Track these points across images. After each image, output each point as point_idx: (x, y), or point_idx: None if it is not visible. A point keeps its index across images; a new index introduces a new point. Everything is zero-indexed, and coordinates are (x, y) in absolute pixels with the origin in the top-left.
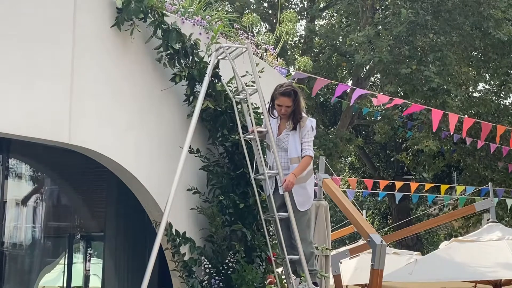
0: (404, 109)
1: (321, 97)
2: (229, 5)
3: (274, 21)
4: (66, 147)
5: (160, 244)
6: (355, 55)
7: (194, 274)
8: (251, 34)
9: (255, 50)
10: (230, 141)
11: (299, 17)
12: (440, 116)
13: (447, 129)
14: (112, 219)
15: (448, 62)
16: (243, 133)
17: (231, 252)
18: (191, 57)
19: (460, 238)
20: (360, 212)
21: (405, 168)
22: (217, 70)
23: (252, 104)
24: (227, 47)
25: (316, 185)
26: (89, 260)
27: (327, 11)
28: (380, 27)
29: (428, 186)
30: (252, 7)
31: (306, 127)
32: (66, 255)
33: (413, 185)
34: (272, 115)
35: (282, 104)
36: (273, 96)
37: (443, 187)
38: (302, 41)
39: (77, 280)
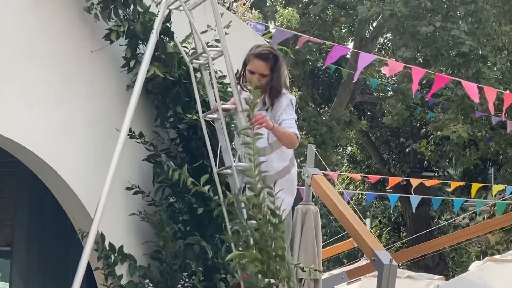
0: (424, 81)
1: (311, 64)
2: None
3: None
4: None
5: (89, 263)
6: (358, 7)
7: None
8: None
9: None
10: (186, 122)
11: None
12: (476, 90)
13: (483, 109)
14: (22, 229)
15: (485, 18)
16: (203, 112)
17: (186, 274)
18: (132, 7)
19: (497, 257)
20: (362, 221)
21: (425, 162)
22: (168, 24)
23: (216, 72)
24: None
25: (301, 183)
26: None
27: None
28: None
29: (455, 185)
30: None
31: (281, 104)
32: None
33: (434, 182)
34: (244, 87)
35: (255, 71)
36: (246, 59)
37: (475, 187)
38: None
39: None
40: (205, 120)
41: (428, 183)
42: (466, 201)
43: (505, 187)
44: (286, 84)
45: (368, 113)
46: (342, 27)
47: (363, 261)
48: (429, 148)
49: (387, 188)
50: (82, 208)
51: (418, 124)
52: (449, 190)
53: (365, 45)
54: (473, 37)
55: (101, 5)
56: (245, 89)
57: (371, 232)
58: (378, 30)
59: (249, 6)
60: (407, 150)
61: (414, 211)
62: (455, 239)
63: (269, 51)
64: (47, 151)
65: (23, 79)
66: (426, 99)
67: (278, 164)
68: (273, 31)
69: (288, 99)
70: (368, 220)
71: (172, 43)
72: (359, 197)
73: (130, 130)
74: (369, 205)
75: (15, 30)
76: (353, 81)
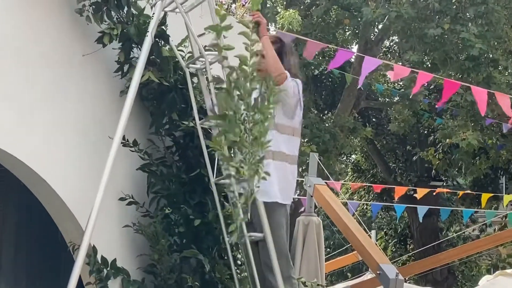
0: (432, 86)
1: (314, 69)
2: None
3: None
4: None
5: (80, 277)
6: (363, 8)
7: None
8: None
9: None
10: (182, 130)
11: None
12: (485, 97)
13: (494, 115)
14: (9, 242)
15: (495, 20)
16: (200, 119)
17: None
18: (126, 8)
19: (508, 271)
20: (367, 232)
21: (433, 170)
22: (163, 27)
23: (214, 77)
24: None
25: (303, 193)
26: None
27: None
28: None
29: (464, 194)
30: None
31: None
32: None
33: (442, 191)
34: None
35: None
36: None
37: (485, 197)
38: None
39: None
40: (202, 128)
41: (436, 191)
42: (476, 212)
43: None
44: (293, 71)
45: (373, 119)
46: (346, 30)
47: (368, 275)
48: (437, 157)
49: (393, 198)
50: (73, 219)
51: (425, 131)
52: (458, 198)
53: (370, 48)
54: (483, 40)
55: (93, 7)
56: None
57: (376, 244)
58: (384, 33)
59: (249, 8)
60: (414, 158)
61: (421, 220)
62: (465, 252)
63: (276, 37)
64: (36, 160)
65: (10, 83)
66: (436, 106)
67: (285, 147)
68: (273, 33)
69: (294, 81)
70: (373, 232)
71: (167, 46)
72: (364, 207)
73: (123, 137)
74: (375, 217)
75: (3, 31)
76: (358, 87)
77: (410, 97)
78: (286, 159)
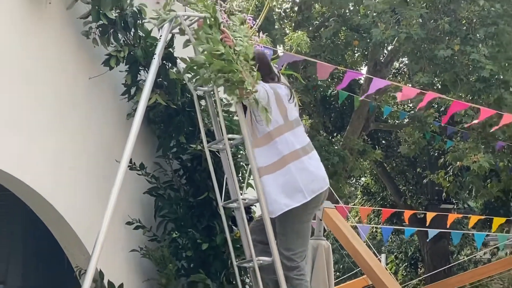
0: (443, 108)
1: (323, 91)
2: None
3: None
4: None
5: None
6: (373, 29)
7: None
8: None
9: (228, 21)
10: (189, 153)
11: None
12: (489, 115)
13: (506, 137)
14: (17, 265)
15: (506, 41)
16: (208, 142)
17: None
18: (133, 31)
19: None
20: (377, 256)
21: (443, 193)
22: (171, 49)
23: (221, 100)
24: (185, 17)
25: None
26: None
27: None
28: None
29: (475, 219)
30: None
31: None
32: None
33: (454, 217)
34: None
35: None
36: None
37: (497, 221)
38: (296, 9)
39: None
40: (210, 151)
41: (448, 219)
42: (487, 235)
43: None
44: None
45: (383, 142)
46: (355, 51)
47: None
48: (447, 179)
49: (403, 221)
50: (79, 244)
51: (436, 154)
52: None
53: (379, 70)
54: (494, 61)
55: (100, 29)
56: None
57: (386, 268)
58: (394, 54)
59: (257, 29)
60: (425, 181)
61: (429, 241)
62: (476, 276)
63: None
64: (42, 184)
65: (16, 106)
66: (443, 124)
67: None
68: (281, 54)
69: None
70: (383, 256)
71: (175, 69)
72: (374, 230)
73: (130, 161)
74: (386, 240)
75: (9, 54)
76: (365, 105)
77: (416, 109)
78: (279, 166)
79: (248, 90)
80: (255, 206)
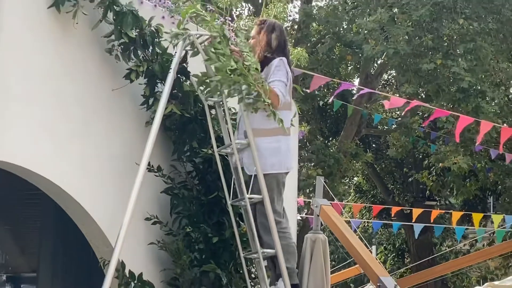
0: (426, 115)
1: (319, 100)
2: None
3: (260, 1)
4: None
5: None
6: (364, 45)
7: None
8: (229, 18)
9: (235, 39)
10: (201, 157)
11: None
12: (467, 123)
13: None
14: (47, 257)
15: (483, 56)
16: (218, 146)
17: None
18: (151, 48)
19: (496, 282)
20: (368, 248)
21: (427, 191)
22: (184, 64)
23: (229, 109)
24: (198, 35)
25: (311, 212)
26: None
27: None
28: (396, 10)
29: (456, 215)
30: None
31: (271, 65)
32: None
33: (437, 213)
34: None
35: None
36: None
37: (476, 217)
38: (296, 27)
39: None
40: (219, 154)
41: (431, 215)
42: (467, 229)
43: (504, 216)
44: (276, 47)
45: (373, 145)
46: (349, 65)
47: (369, 287)
48: (431, 179)
49: (391, 216)
50: (103, 237)
51: (420, 156)
52: (451, 220)
53: (370, 81)
54: (472, 73)
55: (122, 46)
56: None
57: (376, 259)
58: (383, 67)
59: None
60: (410, 180)
61: (416, 237)
62: (458, 265)
63: (261, 20)
64: (71, 184)
65: (48, 116)
66: (423, 128)
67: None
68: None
69: (278, 60)
70: (373, 247)
71: (188, 82)
72: (365, 224)
73: (149, 164)
74: (375, 233)
75: (41, 71)
76: (357, 113)
77: (403, 114)
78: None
79: (266, 103)
80: None
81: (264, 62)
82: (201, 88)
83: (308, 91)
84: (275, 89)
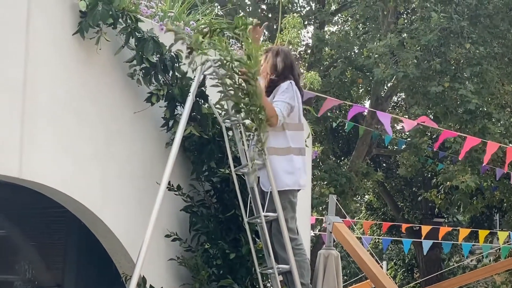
0: (435, 136)
1: (332, 121)
2: (218, 7)
3: (275, 27)
4: (14, 182)
5: None
6: (374, 69)
7: None
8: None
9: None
10: (219, 176)
11: (305, 23)
12: (474, 144)
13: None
14: (72, 271)
15: (489, 79)
16: (235, 166)
17: None
18: (171, 72)
19: None
20: (379, 263)
21: (436, 209)
22: (203, 88)
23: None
24: (216, 60)
25: (323, 230)
26: None
27: (339, 15)
28: (405, 35)
29: (463, 232)
30: (248, 10)
31: (280, 87)
32: None
33: (445, 230)
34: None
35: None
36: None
37: (482, 233)
38: (309, 52)
39: None
40: (236, 174)
41: (440, 232)
42: (474, 245)
43: (509, 233)
44: (282, 69)
45: (384, 165)
46: (360, 88)
47: None
48: (439, 197)
49: (401, 233)
50: (125, 253)
51: (429, 175)
52: (459, 237)
53: (380, 103)
54: (478, 96)
55: (143, 71)
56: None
57: (387, 274)
58: (392, 90)
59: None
60: (419, 198)
61: (425, 253)
62: (465, 280)
63: (266, 49)
64: (94, 203)
65: (72, 137)
66: (435, 149)
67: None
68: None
69: (287, 83)
70: (384, 263)
71: (206, 104)
72: (376, 241)
73: (169, 183)
74: (386, 249)
75: (66, 95)
76: (367, 134)
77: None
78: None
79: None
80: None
81: (272, 85)
82: (219, 111)
83: (318, 115)
84: (276, 108)
